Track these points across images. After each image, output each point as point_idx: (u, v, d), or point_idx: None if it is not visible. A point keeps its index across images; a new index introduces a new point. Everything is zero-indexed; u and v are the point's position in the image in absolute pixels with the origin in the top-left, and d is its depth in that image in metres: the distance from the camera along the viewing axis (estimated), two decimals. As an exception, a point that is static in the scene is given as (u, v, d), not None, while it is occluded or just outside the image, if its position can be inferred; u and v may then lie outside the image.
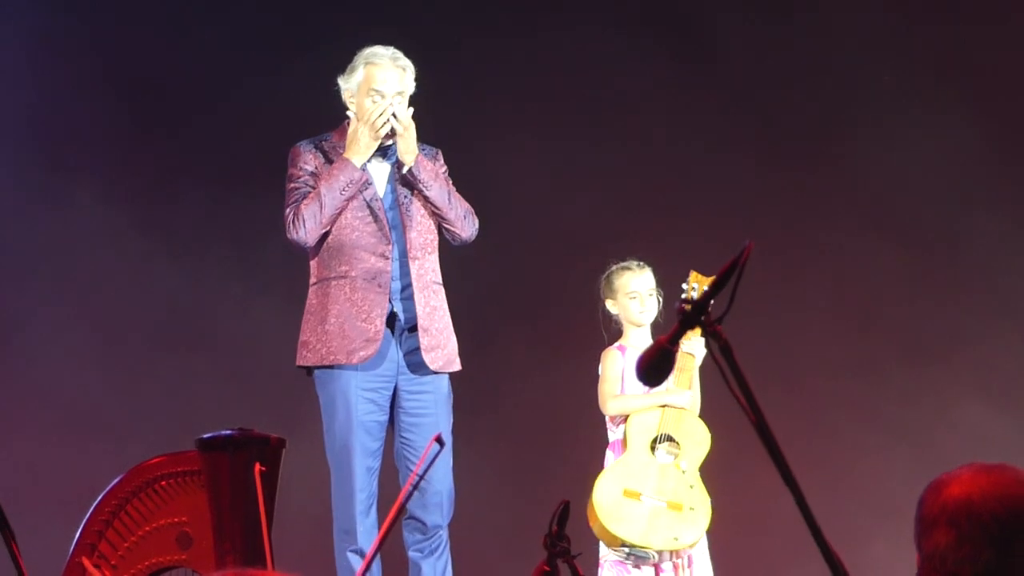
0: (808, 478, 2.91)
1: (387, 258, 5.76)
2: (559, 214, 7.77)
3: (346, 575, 5.71)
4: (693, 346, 6.06)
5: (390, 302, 5.76)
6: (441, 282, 5.88)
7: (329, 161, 5.83)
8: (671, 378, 5.91)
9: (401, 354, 5.78)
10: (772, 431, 2.84)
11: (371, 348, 5.70)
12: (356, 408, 5.72)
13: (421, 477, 5.34)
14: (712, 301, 2.92)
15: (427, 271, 5.83)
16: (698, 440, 6.07)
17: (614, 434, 6.18)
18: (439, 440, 4.11)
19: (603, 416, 6.23)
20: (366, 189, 5.80)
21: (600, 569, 6.07)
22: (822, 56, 7.84)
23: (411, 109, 5.81)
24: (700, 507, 5.99)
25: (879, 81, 7.82)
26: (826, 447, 7.52)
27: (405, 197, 5.83)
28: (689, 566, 6.04)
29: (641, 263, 6.33)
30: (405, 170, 5.79)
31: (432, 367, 5.77)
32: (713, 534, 6.13)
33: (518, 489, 7.45)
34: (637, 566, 5.99)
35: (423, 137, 5.85)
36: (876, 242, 7.77)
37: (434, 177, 5.83)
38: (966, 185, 7.74)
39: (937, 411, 7.59)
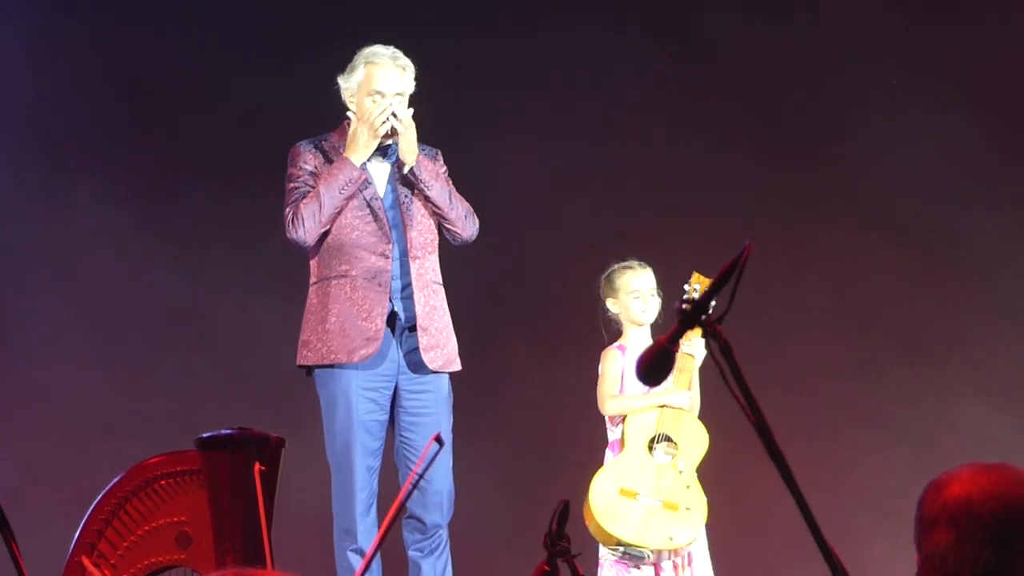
0: (808, 478, 2.91)
1: (387, 257, 5.76)
2: (559, 214, 7.77)
3: (346, 574, 5.71)
4: (693, 347, 6.06)
5: (390, 301, 5.76)
6: (441, 282, 5.88)
7: (329, 161, 5.83)
8: (670, 378, 5.91)
9: (402, 353, 5.78)
10: (772, 431, 2.84)
11: (372, 347, 5.70)
12: (357, 407, 5.72)
13: (421, 476, 5.34)
14: (712, 301, 2.92)
15: (427, 270, 5.83)
16: (696, 440, 6.07)
17: (613, 434, 6.19)
18: (438, 439, 4.11)
19: (603, 416, 6.24)
20: (366, 188, 5.80)
21: (600, 569, 6.07)
22: (822, 56, 7.84)
23: (411, 110, 5.81)
24: (696, 507, 5.99)
25: (880, 81, 7.81)
26: (826, 447, 7.53)
27: (406, 197, 5.83)
28: (689, 564, 6.04)
29: (642, 263, 6.34)
30: (406, 170, 5.79)
31: (431, 367, 5.77)
32: (713, 534, 6.13)
33: (518, 489, 7.45)
34: (634, 565, 5.99)
35: (423, 137, 5.85)
36: (876, 242, 7.77)
37: (435, 177, 5.84)
38: (966, 185, 7.74)
39: (937, 411, 7.59)
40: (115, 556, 4.37)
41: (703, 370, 6.12)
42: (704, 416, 6.15)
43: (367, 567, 5.47)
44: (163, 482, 4.36)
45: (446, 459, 5.76)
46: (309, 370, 5.83)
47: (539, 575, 3.99)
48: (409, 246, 5.79)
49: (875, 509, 7.38)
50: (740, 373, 2.86)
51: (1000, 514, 2.68)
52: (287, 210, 5.80)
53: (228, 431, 4.30)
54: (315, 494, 6.11)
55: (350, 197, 5.76)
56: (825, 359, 7.69)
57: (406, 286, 5.78)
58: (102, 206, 7.65)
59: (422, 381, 5.79)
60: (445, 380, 5.85)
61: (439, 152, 5.99)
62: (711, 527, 6.11)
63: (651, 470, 6.01)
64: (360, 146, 5.77)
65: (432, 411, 5.79)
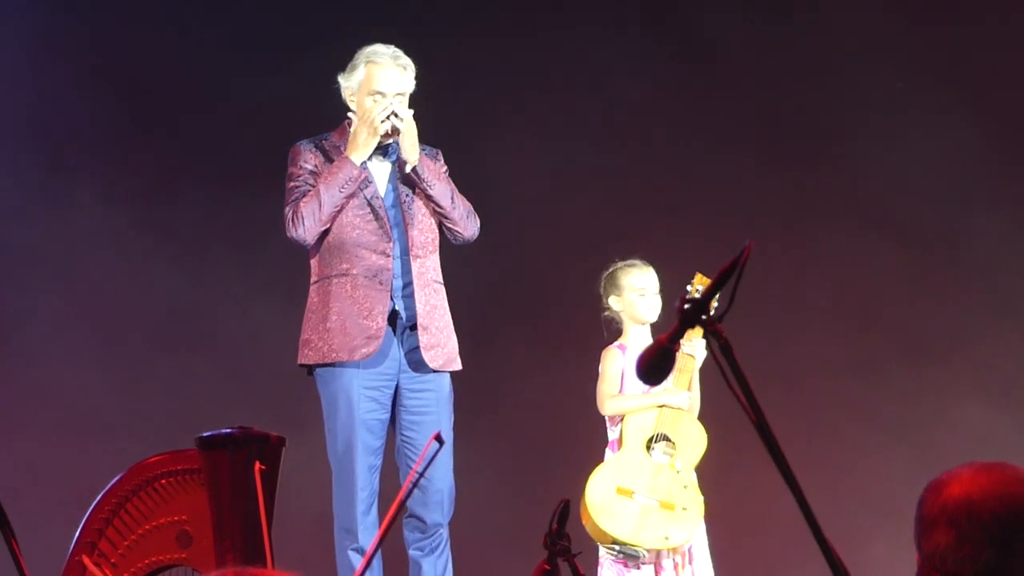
0: (808, 478, 2.91)
1: (388, 256, 5.76)
2: (559, 214, 7.77)
3: (347, 573, 5.71)
4: (694, 347, 6.06)
5: (392, 300, 5.76)
6: (442, 281, 5.88)
7: (329, 160, 5.84)
8: (670, 378, 5.91)
9: (403, 352, 5.79)
10: (772, 431, 2.84)
11: (373, 345, 5.70)
12: (358, 406, 5.72)
13: (421, 475, 5.34)
14: (714, 301, 2.92)
15: (428, 269, 5.83)
16: (694, 441, 6.07)
17: (613, 433, 6.19)
18: (438, 438, 4.11)
19: (603, 415, 6.24)
20: (366, 187, 5.80)
21: (600, 568, 6.07)
22: (822, 56, 7.84)
23: (411, 111, 5.81)
24: (692, 508, 5.99)
25: (880, 81, 7.81)
26: (826, 447, 7.53)
27: (407, 196, 5.84)
28: (690, 562, 6.04)
29: (644, 262, 6.34)
30: (408, 169, 5.79)
31: (432, 365, 5.77)
32: (713, 534, 6.13)
33: (518, 488, 7.45)
34: (634, 566, 5.99)
35: (423, 137, 5.85)
36: (876, 242, 7.77)
37: (437, 176, 5.84)
38: (966, 185, 7.74)
39: (937, 411, 7.59)
40: (116, 555, 4.37)
41: (704, 371, 6.12)
42: (704, 416, 6.15)
43: (367, 565, 5.47)
44: (164, 481, 4.36)
45: (447, 458, 5.76)
46: (310, 369, 5.83)
47: (539, 574, 3.99)
48: (410, 245, 5.79)
49: (875, 509, 7.38)
50: (740, 372, 2.86)
51: (1000, 514, 2.68)
52: (287, 209, 5.80)
53: (228, 430, 4.30)
54: (315, 493, 6.11)
55: (350, 196, 5.76)
56: (825, 359, 7.69)
57: (407, 285, 5.78)
58: (102, 206, 7.65)
59: (423, 380, 5.79)
60: (446, 379, 5.85)
61: (439, 152, 5.99)
62: (711, 527, 6.11)
63: (648, 469, 6.01)
64: (360, 145, 5.78)
65: (433, 410, 5.79)
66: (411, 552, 5.82)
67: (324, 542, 5.86)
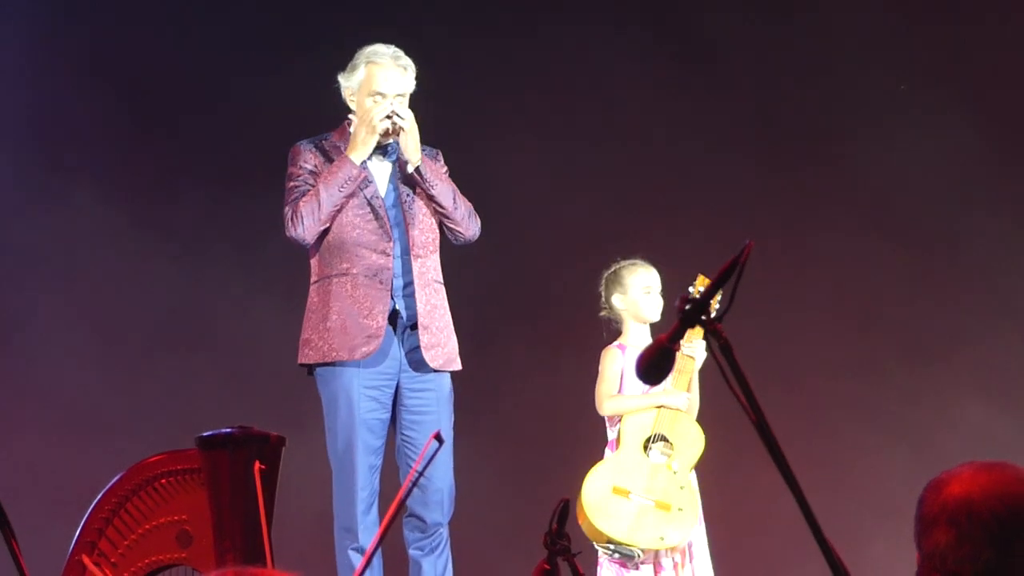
0: (808, 478, 2.91)
1: (388, 255, 5.76)
2: (559, 214, 7.77)
3: (347, 573, 5.71)
4: (694, 349, 6.06)
5: (392, 299, 5.76)
6: (442, 281, 5.89)
7: (329, 160, 5.84)
8: (669, 379, 5.91)
9: (403, 352, 5.78)
10: (772, 431, 2.84)
11: (373, 344, 5.70)
12: (359, 406, 5.72)
13: (420, 474, 5.34)
14: (714, 302, 2.92)
15: (429, 269, 5.83)
16: (691, 442, 6.07)
17: (613, 433, 6.19)
18: (438, 437, 4.11)
19: (601, 415, 6.24)
20: (366, 187, 5.80)
21: (599, 568, 6.08)
22: (822, 56, 7.84)
23: (411, 112, 5.81)
24: (688, 509, 5.98)
25: (880, 81, 7.82)
26: (826, 447, 7.53)
27: (407, 195, 5.84)
28: (691, 560, 6.04)
29: (646, 261, 6.35)
30: (411, 170, 5.79)
31: (432, 365, 5.77)
32: (713, 534, 6.13)
33: (518, 488, 7.46)
34: (634, 566, 5.99)
35: (423, 137, 5.85)
36: (876, 242, 7.77)
37: (439, 177, 5.84)
38: (966, 185, 7.74)
39: (937, 411, 7.59)
40: (116, 555, 4.37)
41: (704, 371, 6.12)
42: (704, 416, 6.14)
43: (367, 564, 5.47)
44: (164, 481, 4.36)
45: (447, 458, 5.76)
46: (310, 369, 5.83)
47: (539, 574, 3.99)
48: (411, 244, 5.79)
49: (875, 508, 7.38)
50: (740, 372, 2.86)
51: (1000, 513, 2.68)
52: (286, 208, 5.80)
53: (228, 430, 4.30)
54: (315, 493, 6.11)
55: (350, 196, 5.76)
56: (825, 359, 7.69)
57: (408, 284, 5.78)
58: (102, 206, 7.65)
59: (424, 380, 5.79)
60: (446, 379, 5.85)
61: (439, 152, 6.00)
62: (711, 526, 6.11)
63: (645, 470, 6.01)
64: (359, 144, 5.78)
65: (433, 410, 5.79)
66: (411, 552, 5.82)
67: (324, 542, 5.85)
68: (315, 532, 6.27)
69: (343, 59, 5.91)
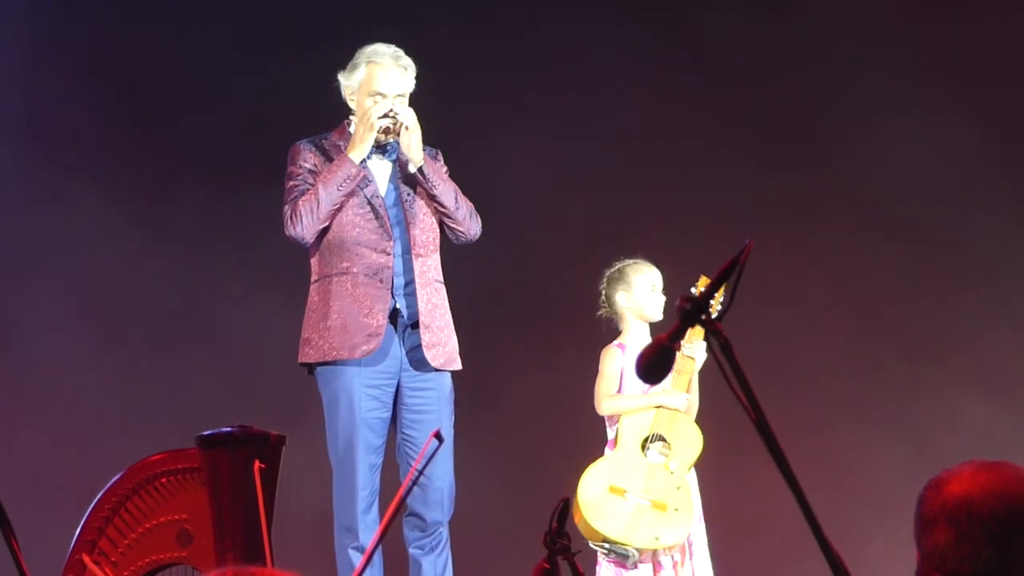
0: (808, 477, 2.91)
1: (389, 254, 5.76)
2: (559, 214, 7.77)
3: (347, 572, 5.71)
4: (694, 349, 6.06)
5: (393, 298, 5.76)
6: (442, 280, 5.89)
7: (328, 160, 5.84)
8: (668, 379, 5.91)
9: (404, 351, 5.79)
10: (772, 430, 2.84)
11: (373, 343, 5.70)
12: (359, 405, 5.72)
13: (420, 473, 5.34)
14: (714, 301, 2.92)
15: (429, 268, 5.83)
16: (689, 442, 6.07)
17: (612, 432, 6.19)
18: (438, 436, 4.11)
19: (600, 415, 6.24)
20: (366, 186, 5.80)
21: (599, 567, 6.08)
22: (822, 56, 7.84)
23: (412, 111, 5.81)
24: (685, 509, 5.98)
25: (880, 81, 7.82)
26: (826, 446, 7.53)
27: (408, 195, 5.84)
28: (691, 558, 6.04)
29: (648, 261, 6.36)
30: (414, 169, 5.79)
31: (433, 364, 5.77)
32: (713, 533, 6.13)
33: (518, 487, 7.46)
34: (632, 566, 5.99)
35: (423, 137, 5.84)
36: (876, 242, 7.77)
37: (440, 176, 5.85)
38: (966, 185, 7.75)
39: (937, 410, 7.60)
40: (116, 554, 4.37)
41: (704, 370, 6.12)
42: (704, 416, 6.15)
43: (367, 563, 5.46)
44: (164, 480, 4.36)
45: (447, 456, 5.76)
46: (311, 368, 5.83)
47: (539, 573, 3.99)
48: (412, 243, 5.79)
49: (875, 507, 7.38)
50: (741, 371, 2.86)
51: (1000, 512, 2.68)
52: (286, 207, 5.80)
53: (228, 429, 4.30)
54: (316, 492, 6.11)
55: (349, 194, 5.76)
56: (825, 358, 7.69)
57: (408, 283, 5.79)
58: (102, 206, 7.65)
59: (424, 379, 5.79)
60: (447, 378, 5.85)
61: (439, 152, 6.00)
62: (711, 526, 6.11)
63: (643, 469, 6.01)
64: (358, 143, 5.78)
65: (434, 409, 5.79)
66: (411, 551, 5.82)
67: (324, 541, 5.85)
68: (315, 531, 6.27)
69: (343, 59, 5.92)
